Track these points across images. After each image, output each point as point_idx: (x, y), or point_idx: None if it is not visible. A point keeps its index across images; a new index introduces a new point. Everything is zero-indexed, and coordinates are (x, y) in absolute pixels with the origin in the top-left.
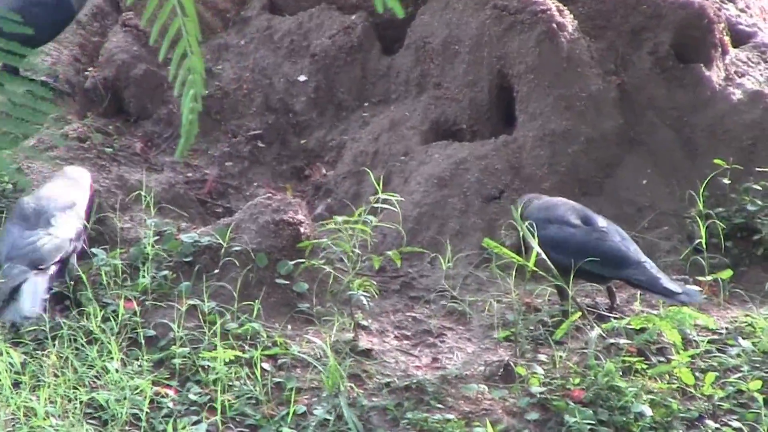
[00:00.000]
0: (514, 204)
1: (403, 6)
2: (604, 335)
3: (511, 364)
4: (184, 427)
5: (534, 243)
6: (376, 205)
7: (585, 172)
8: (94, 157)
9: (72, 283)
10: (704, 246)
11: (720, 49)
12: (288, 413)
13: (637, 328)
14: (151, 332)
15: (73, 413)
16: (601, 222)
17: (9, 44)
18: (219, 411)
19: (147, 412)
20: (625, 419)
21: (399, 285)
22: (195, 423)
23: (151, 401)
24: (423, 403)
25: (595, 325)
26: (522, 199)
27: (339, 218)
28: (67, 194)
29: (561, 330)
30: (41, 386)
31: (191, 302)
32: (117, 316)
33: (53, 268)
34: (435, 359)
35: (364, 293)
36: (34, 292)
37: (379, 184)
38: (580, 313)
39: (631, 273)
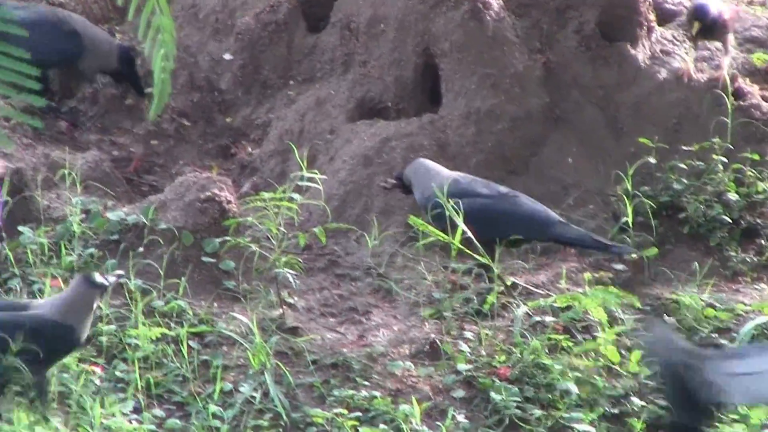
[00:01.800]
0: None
1: None
2: (530, 313)
3: (437, 341)
4: (111, 405)
5: (459, 221)
6: (301, 183)
7: (510, 150)
8: (20, 136)
9: None
10: (630, 224)
11: (645, 28)
12: (215, 390)
13: (563, 306)
14: None
15: None
16: (504, 189)
17: None
18: (146, 388)
19: (74, 390)
20: (551, 396)
21: (325, 263)
22: (122, 400)
23: (78, 378)
24: (349, 380)
25: (521, 303)
26: (413, 166)
27: (266, 195)
28: None
29: (488, 303)
30: None
31: None
32: (43, 293)
33: None
34: (361, 336)
35: (290, 271)
36: None
37: (304, 162)
38: (503, 286)
39: (558, 231)
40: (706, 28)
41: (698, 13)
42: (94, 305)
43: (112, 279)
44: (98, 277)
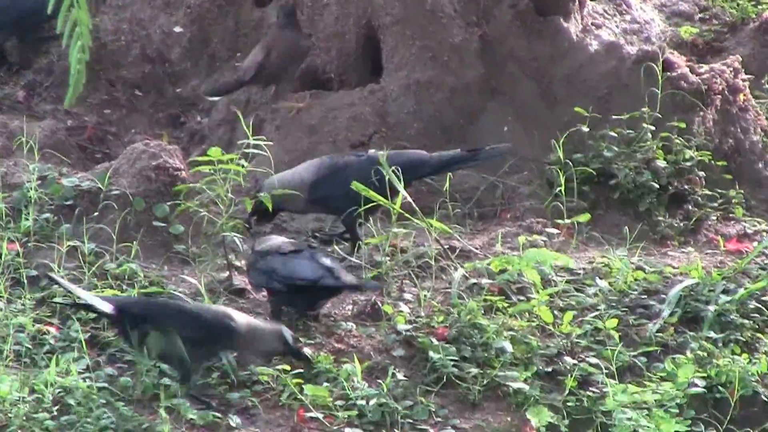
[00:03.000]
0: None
1: None
2: (467, 275)
3: (379, 303)
4: (65, 363)
5: (400, 187)
6: (248, 151)
7: (449, 120)
8: None
9: None
10: (563, 191)
11: (578, 2)
12: None
13: (499, 268)
14: (33, 272)
15: None
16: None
17: None
18: (99, 348)
19: (29, 348)
20: (487, 355)
21: (271, 227)
22: (76, 359)
23: (33, 338)
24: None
25: (459, 265)
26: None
27: (214, 154)
28: None
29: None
30: None
31: (72, 244)
32: (0, 257)
33: None
34: None
35: (238, 235)
36: None
37: (250, 131)
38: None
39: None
40: None
41: None
42: None
43: None
44: None
